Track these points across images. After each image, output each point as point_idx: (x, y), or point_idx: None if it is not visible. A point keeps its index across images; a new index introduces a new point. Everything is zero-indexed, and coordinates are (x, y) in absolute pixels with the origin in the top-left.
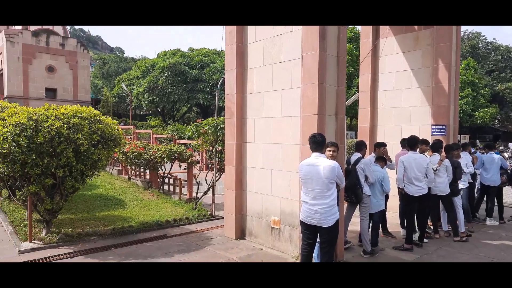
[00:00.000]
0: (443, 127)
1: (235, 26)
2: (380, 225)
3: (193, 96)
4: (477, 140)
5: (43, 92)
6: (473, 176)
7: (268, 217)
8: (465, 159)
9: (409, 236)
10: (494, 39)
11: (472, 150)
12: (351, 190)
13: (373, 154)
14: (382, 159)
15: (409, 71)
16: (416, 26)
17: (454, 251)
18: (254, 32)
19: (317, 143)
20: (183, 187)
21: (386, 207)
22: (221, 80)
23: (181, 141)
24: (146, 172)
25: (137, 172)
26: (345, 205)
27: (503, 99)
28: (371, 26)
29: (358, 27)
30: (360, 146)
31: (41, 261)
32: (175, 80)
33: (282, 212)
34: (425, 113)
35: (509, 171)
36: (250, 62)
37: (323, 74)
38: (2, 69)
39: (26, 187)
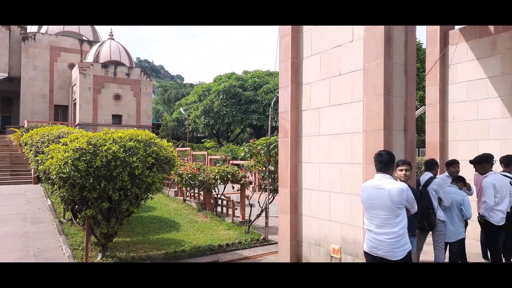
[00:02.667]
0: None
1: (290, 42)
2: None
3: (246, 117)
4: None
5: (110, 119)
6: None
7: (326, 244)
8: None
9: None
10: None
11: None
12: (423, 215)
13: (445, 174)
14: (461, 179)
15: (485, 79)
16: (492, 29)
17: None
18: (310, 45)
19: (383, 163)
20: (236, 209)
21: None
22: (274, 99)
23: (235, 162)
24: (201, 194)
25: (192, 194)
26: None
27: None
28: (438, 33)
29: (419, 38)
30: (431, 165)
31: None
32: (229, 102)
33: (343, 239)
34: (506, 126)
35: None
36: (305, 77)
37: (389, 85)
38: (75, 99)
39: (84, 211)
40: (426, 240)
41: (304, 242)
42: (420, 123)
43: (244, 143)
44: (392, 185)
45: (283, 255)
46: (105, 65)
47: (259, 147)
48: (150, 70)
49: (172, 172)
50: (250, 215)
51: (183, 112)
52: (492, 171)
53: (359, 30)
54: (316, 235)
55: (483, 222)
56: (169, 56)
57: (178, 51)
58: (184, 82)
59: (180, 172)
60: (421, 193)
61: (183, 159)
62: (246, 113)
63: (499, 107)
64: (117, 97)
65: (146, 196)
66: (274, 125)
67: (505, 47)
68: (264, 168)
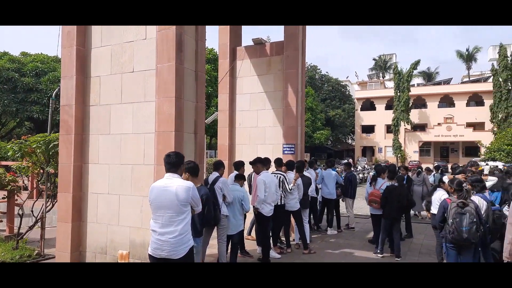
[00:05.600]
0: (293, 146)
1: (75, 26)
2: None
3: (24, 109)
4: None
5: None
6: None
7: (114, 251)
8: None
9: (265, 253)
10: (326, 72)
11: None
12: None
13: (235, 172)
14: (241, 177)
15: (263, 93)
16: (268, 52)
17: None
18: (100, 35)
19: (171, 164)
20: (1, 221)
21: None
22: (56, 89)
23: (3, 163)
24: None
25: None
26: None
27: (334, 123)
28: (228, 47)
29: (216, 49)
30: (218, 166)
31: None
32: None
33: (132, 244)
34: (277, 133)
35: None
36: (94, 69)
37: (181, 88)
38: None
39: None
40: (212, 235)
41: (88, 252)
42: (217, 127)
43: (13, 140)
44: (179, 184)
45: None
46: None
47: (34, 145)
48: None
49: None
50: (19, 227)
51: None
52: (265, 170)
53: (152, 29)
54: (103, 243)
55: (257, 213)
56: None
57: None
58: None
59: None
60: (208, 190)
61: None
62: (24, 104)
63: (272, 117)
64: None
65: None
66: (58, 118)
67: (277, 68)
68: (42, 171)
